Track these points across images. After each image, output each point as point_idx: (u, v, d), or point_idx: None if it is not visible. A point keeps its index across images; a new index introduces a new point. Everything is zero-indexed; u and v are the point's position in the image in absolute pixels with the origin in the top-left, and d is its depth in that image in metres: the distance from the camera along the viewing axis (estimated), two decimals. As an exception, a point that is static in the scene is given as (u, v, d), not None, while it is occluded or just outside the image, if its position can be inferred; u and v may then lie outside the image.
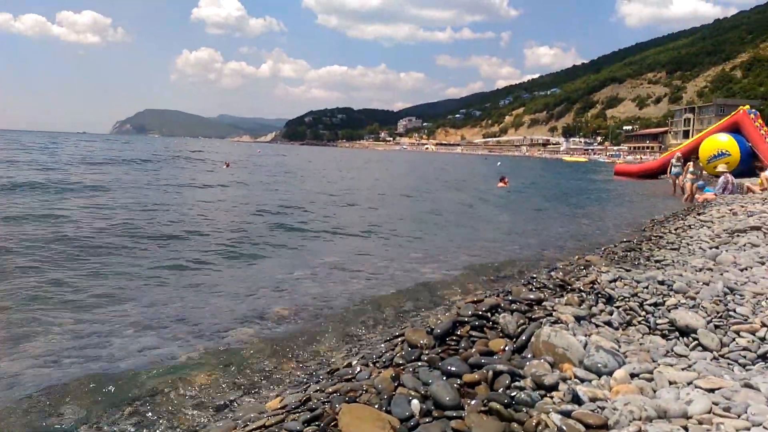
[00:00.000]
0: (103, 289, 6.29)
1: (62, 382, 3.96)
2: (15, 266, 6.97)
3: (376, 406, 3.27)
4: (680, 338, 4.52)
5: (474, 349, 4.06)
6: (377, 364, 4.34)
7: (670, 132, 49.35)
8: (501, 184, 27.07)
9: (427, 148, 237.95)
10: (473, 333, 4.38)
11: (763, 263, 6.50)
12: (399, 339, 4.97)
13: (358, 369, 4.30)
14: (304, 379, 4.29)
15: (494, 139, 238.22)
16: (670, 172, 23.60)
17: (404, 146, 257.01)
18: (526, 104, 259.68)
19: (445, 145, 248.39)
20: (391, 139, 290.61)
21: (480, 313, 4.64)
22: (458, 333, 4.39)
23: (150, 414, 3.67)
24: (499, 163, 66.96)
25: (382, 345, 4.94)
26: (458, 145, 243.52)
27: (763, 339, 4.19)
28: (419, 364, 3.98)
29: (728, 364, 3.88)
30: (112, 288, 6.36)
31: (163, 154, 46.23)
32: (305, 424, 3.22)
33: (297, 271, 7.39)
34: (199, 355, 4.61)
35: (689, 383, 3.37)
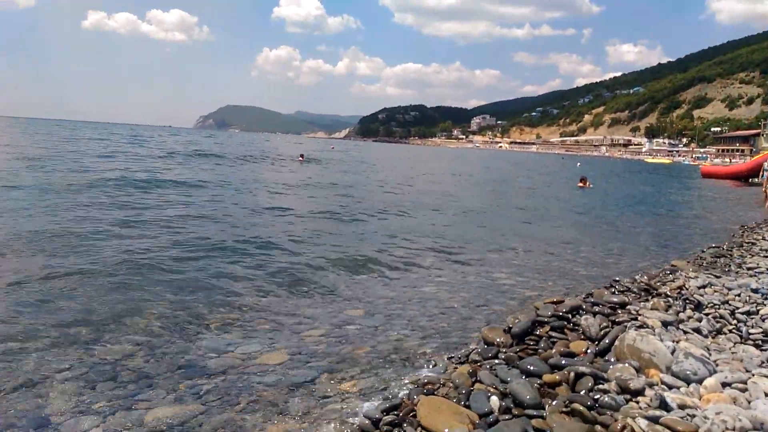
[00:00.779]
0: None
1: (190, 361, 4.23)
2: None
3: (455, 400, 3.28)
4: (777, 349, 4.26)
5: (554, 350, 4.00)
6: (453, 359, 4.36)
7: (762, 134, 46.08)
8: (581, 185, 26.30)
9: (500, 147, 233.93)
10: (553, 334, 4.31)
11: None
12: (475, 335, 4.97)
13: (433, 363, 4.33)
14: (379, 366, 4.34)
15: (572, 138, 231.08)
16: (762, 176, 22.21)
17: (477, 144, 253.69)
18: (606, 103, 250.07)
19: (519, 143, 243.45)
20: (464, 137, 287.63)
21: (560, 314, 4.56)
22: (537, 333, 4.33)
23: (230, 390, 3.83)
24: (579, 164, 64.90)
25: (457, 341, 4.95)
26: (533, 143, 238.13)
27: None
28: (496, 361, 3.96)
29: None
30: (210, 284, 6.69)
31: (251, 150, 47.79)
32: (384, 413, 3.28)
33: (364, 274, 7.48)
34: (279, 345, 4.77)
35: (788, 396, 3.17)
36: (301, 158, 36.34)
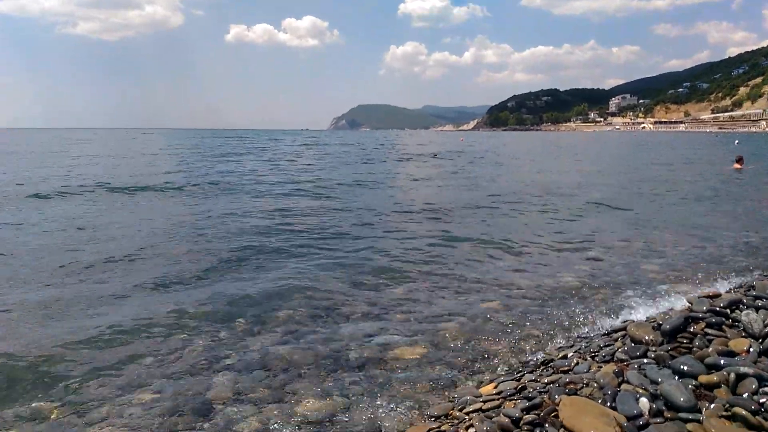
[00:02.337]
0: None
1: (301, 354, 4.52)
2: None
3: (599, 401, 3.14)
4: None
5: (711, 349, 3.67)
6: (596, 358, 4.16)
7: None
8: (737, 166, 23.79)
9: (643, 127, 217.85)
10: (709, 331, 3.95)
11: None
12: (620, 333, 4.71)
13: (575, 361, 4.16)
14: (518, 367, 4.27)
15: (726, 114, 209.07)
16: None
17: (617, 126, 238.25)
18: (766, 72, 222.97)
19: (665, 123, 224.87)
20: (602, 119, 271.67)
21: (717, 309, 4.17)
22: (691, 330, 4.00)
23: (371, 385, 3.97)
24: (737, 142, 58.55)
25: (600, 338, 4.72)
26: (681, 122, 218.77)
27: None
28: (645, 360, 3.72)
29: None
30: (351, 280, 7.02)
31: (391, 147, 48.98)
32: (524, 412, 3.22)
33: (504, 262, 7.36)
34: (417, 338, 4.86)
35: None
36: (434, 156, 36.32)
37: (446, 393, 3.88)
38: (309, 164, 27.39)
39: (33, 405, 3.74)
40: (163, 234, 9.16)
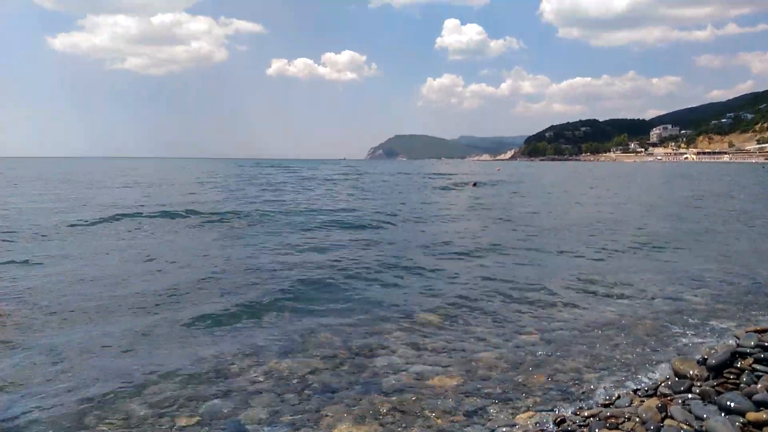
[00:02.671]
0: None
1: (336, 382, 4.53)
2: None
3: (642, 436, 3.06)
4: None
5: (759, 385, 3.54)
6: (638, 392, 4.06)
7: None
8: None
9: (686, 158, 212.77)
10: (757, 366, 3.82)
11: None
12: (663, 367, 4.58)
13: (616, 395, 4.07)
14: (556, 396, 4.19)
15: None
16: None
17: (658, 157, 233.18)
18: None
19: (708, 153, 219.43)
20: (642, 150, 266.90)
21: (766, 344, 4.03)
22: (738, 365, 3.87)
23: (406, 412, 3.94)
24: None
25: (642, 372, 4.60)
26: (725, 153, 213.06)
27: None
28: (690, 396, 3.62)
29: None
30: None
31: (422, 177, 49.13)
32: (563, 445, 3.15)
33: (538, 298, 7.25)
34: (452, 368, 4.82)
35: None
36: (473, 185, 36.19)
37: (482, 424, 3.82)
38: (348, 194, 27.65)
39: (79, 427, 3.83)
40: (208, 265, 9.36)
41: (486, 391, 4.31)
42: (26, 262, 8.94)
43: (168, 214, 15.64)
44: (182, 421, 3.87)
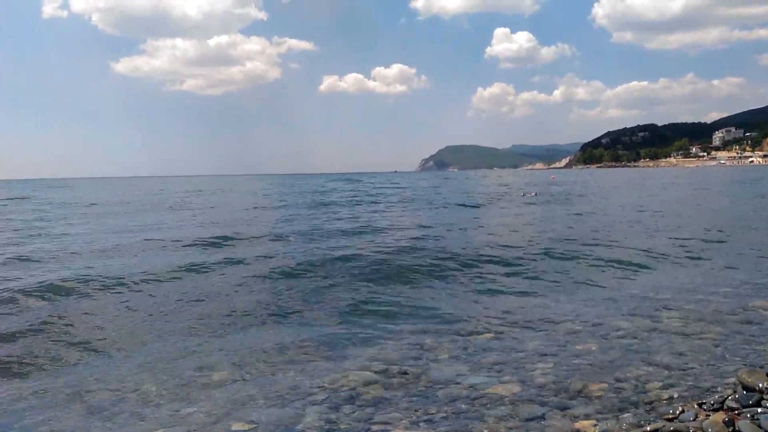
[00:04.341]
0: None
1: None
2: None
3: (708, 451, 2.92)
4: None
5: (838, 399, 3.34)
6: (704, 406, 3.88)
7: None
8: None
9: (752, 161, 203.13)
10: (835, 379, 3.60)
11: None
12: (730, 379, 4.37)
13: (680, 408, 3.90)
14: (618, 405, 4.05)
15: None
16: None
17: (722, 161, 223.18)
18: None
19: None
20: (705, 154, 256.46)
21: None
22: (813, 378, 3.66)
23: (461, 420, 3.90)
24: None
25: (708, 384, 4.40)
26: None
27: None
28: (759, 410, 3.44)
29: None
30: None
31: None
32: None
33: (595, 305, 7.05)
34: (507, 378, 4.74)
35: None
36: (533, 194, 35.51)
37: (540, 427, 3.74)
38: (403, 205, 27.66)
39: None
40: (265, 272, 9.57)
41: (543, 399, 4.22)
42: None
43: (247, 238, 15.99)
44: (237, 426, 3.96)
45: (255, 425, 3.97)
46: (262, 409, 4.22)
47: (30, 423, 4.11)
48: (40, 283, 8.34)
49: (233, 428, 3.94)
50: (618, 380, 4.53)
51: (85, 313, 6.96)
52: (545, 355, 5.24)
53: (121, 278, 8.75)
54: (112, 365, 5.32)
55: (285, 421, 4.03)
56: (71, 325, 6.48)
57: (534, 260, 10.21)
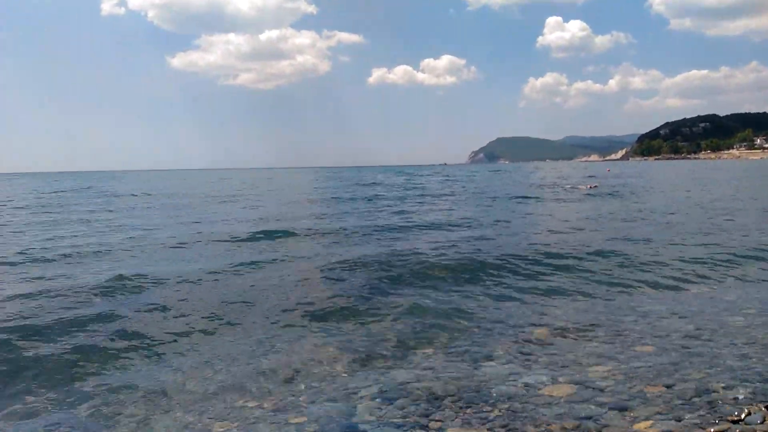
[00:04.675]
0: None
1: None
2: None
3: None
4: None
5: None
6: (773, 408, 3.74)
7: None
8: None
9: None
10: None
11: None
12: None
13: (746, 411, 3.78)
14: (679, 406, 3.95)
15: None
16: None
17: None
18: None
19: None
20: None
21: None
22: None
23: (515, 419, 3.89)
24: None
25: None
26: None
27: None
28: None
29: None
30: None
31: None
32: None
33: (654, 305, 6.84)
34: (563, 379, 4.68)
35: None
36: (593, 186, 34.42)
37: (597, 427, 3.70)
38: (454, 199, 27.49)
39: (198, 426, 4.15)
40: (329, 266, 9.73)
41: (600, 400, 4.14)
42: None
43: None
44: (292, 419, 4.07)
45: (310, 419, 4.07)
46: (316, 404, 4.31)
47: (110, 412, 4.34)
48: (109, 277, 8.69)
49: (291, 421, 4.04)
50: (679, 381, 4.40)
51: (152, 307, 7.21)
52: (602, 356, 5.14)
53: (183, 273, 9.08)
54: (173, 360, 5.52)
55: (339, 415, 4.11)
56: (138, 319, 6.74)
57: (594, 260, 9.89)
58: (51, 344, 5.76)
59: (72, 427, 4.12)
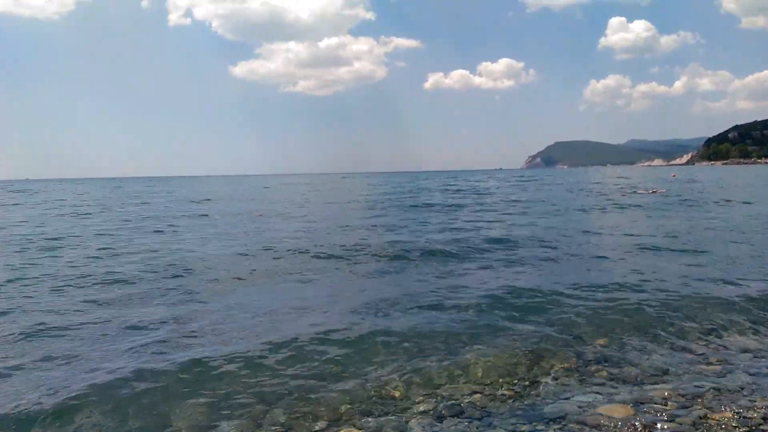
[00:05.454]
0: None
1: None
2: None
3: None
4: None
5: None
6: None
7: None
8: None
9: None
10: None
11: None
12: None
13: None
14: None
15: None
16: None
17: None
18: None
19: None
20: None
21: None
22: None
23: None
24: None
25: None
26: None
27: None
28: None
29: None
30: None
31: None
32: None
33: (722, 321, 6.49)
34: (622, 398, 4.52)
35: None
36: (661, 191, 32.92)
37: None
38: (514, 207, 26.84)
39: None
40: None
41: (661, 425, 3.98)
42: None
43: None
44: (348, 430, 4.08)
45: (363, 431, 4.07)
46: (367, 417, 4.32)
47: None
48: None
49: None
50: (747, 408, 4.18)
51: (231, 306, 7.38)
52: (664, 375, 4.93)
53: (255, 276, 9.30)
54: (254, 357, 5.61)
55: (388, 428, 4.10)
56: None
57: (664, 280, 9.50)
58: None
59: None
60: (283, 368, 5.35)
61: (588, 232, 15.99)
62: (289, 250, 12.40)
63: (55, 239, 15.23)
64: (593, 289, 8.37)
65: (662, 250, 11.76)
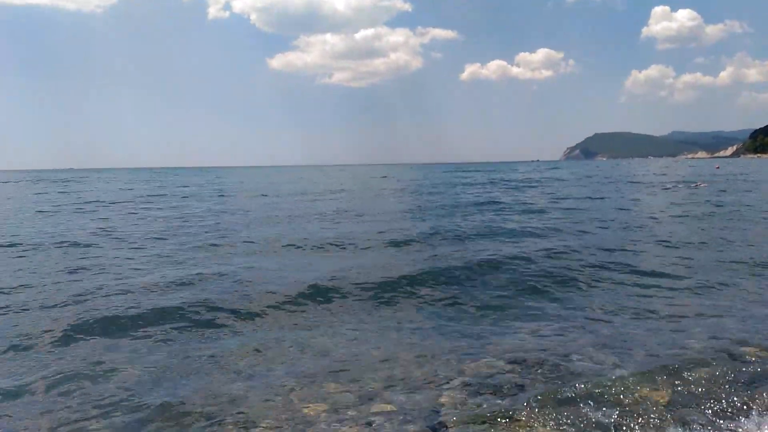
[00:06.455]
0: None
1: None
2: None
3: None
4: None
5: None
6: None
7: None
8: None
9: None
10: None
11: None
12: None
13: None
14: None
15: None
16: None
17: None
18: None
19: None
20: None
21: None
22: None
23: (608, 419, 3.72)
24: None
25: None
26: None
27: None
28: None
29: None
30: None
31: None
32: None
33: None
34: (659, 379, 4.44)
35: None
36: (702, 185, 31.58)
37: (697, 428, 3.49)
38: (554, 203, 25.85)
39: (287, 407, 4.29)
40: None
41: (700, 403, 3.90)
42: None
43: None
44: (376, 408, 4.10)
45: (396, 407, 4.10)
46: (402, 392, 4.34)
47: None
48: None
49: (372, 410, 4.07)
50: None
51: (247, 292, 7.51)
52: (703, 356, 4.82)
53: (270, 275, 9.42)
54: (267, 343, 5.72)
55: (423, 403, 4.12)
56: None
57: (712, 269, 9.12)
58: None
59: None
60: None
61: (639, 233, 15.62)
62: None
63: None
64: (626, 271, 8.22)
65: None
